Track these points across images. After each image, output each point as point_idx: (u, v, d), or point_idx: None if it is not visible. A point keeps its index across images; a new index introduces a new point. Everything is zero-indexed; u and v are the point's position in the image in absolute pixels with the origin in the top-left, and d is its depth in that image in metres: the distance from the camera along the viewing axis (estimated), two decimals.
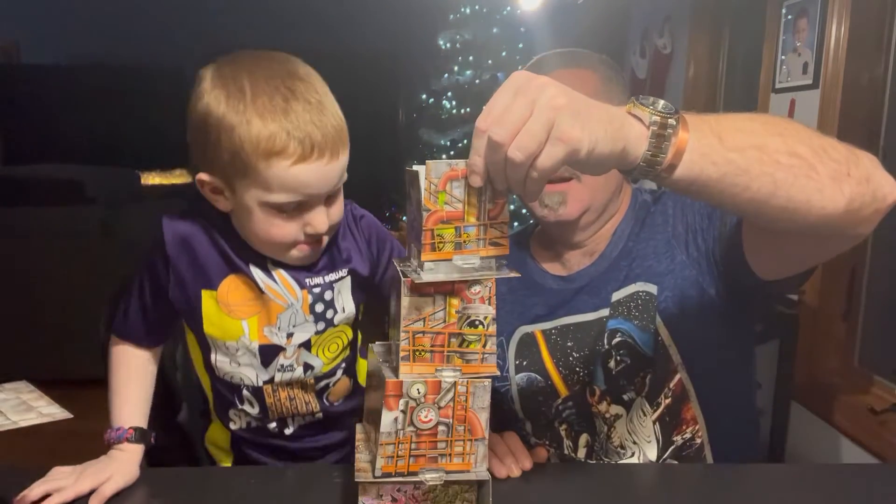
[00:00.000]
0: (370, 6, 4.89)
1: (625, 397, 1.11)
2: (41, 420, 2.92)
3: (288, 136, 0.88)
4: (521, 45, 4.04)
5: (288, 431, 1.11)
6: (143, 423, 1.02)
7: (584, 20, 3.58)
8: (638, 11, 3.32)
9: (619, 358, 1.09)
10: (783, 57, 2.07)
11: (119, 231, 3.40)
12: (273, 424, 1.11)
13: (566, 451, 1.16)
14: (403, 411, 0.74)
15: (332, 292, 1.04)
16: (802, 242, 0.89)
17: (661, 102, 0.72)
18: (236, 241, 1.01)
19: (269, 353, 1.04)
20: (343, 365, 1.10)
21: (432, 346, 0.74)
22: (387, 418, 0.74)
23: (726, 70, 2.79)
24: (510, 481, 0.95)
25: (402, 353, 0.74)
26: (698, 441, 1.11)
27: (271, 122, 0.88)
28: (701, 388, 1.10)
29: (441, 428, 0.75)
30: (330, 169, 0.92)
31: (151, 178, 6.04)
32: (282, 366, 1.05)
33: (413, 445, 0.75)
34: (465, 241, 0.71)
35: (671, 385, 1.09)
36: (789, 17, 2.04)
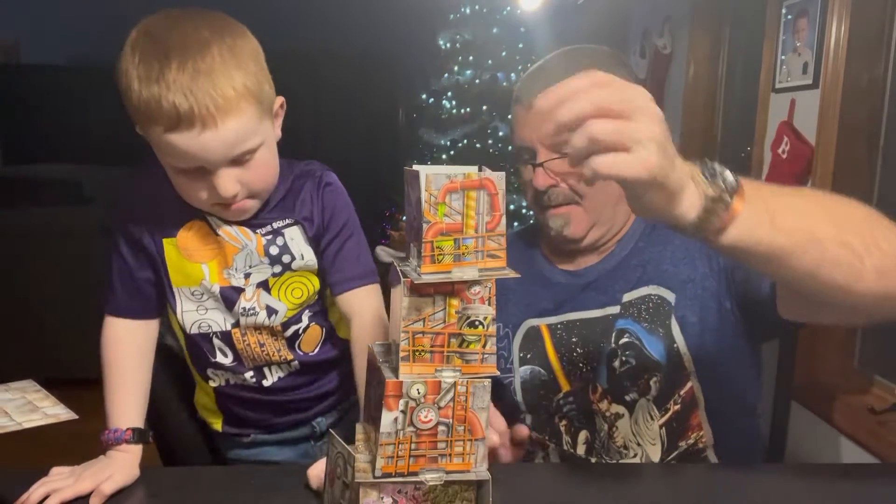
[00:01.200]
0: (370, 6, 4.89)
1: (627, 398, 1.11)
2: (46, 421, 2.89)
3: (157, 104, 0.88)
4: (521, 45, 4.04)
5: (267, 383, 1.13)
6: (140, 422, 1.02)
7: (584, 20, 3.58)
8: (638, 11, 3.32)
9: (624, 358, 1.09)
10: (783, 57, 2.07)
11: None
12: (250, 374, 1.12)
13: (565, 447, 1.17)
14: (403, 411, 0.74)
15: (284, 238, 1.06)
16: (835, 310, 0.89)
17: (728, 175, 0.72)
18: None
19: (230, 296, 1.07)
20: (309, 312, 1.12)
21: (432, 346, 0.74)
22: (386, 418, 0.74)
23: (726, 70, 2.79)
24: (510, 481, 0.95)
25: (401, 354, 0.74)
26: (702, 447, 1.11)
27: (146, 88, 0.89)
28: (710, 397, 1.10)
29: (441, 428, 0.75)
30: (208, 139, 0.90)
31: None
32: (244, 309, 1.07)
33: (413, 446, 0.75)
34: (463, 254, 0.72)
35: (682, 392, 1.09)
36: (789, 17, 2.04)
